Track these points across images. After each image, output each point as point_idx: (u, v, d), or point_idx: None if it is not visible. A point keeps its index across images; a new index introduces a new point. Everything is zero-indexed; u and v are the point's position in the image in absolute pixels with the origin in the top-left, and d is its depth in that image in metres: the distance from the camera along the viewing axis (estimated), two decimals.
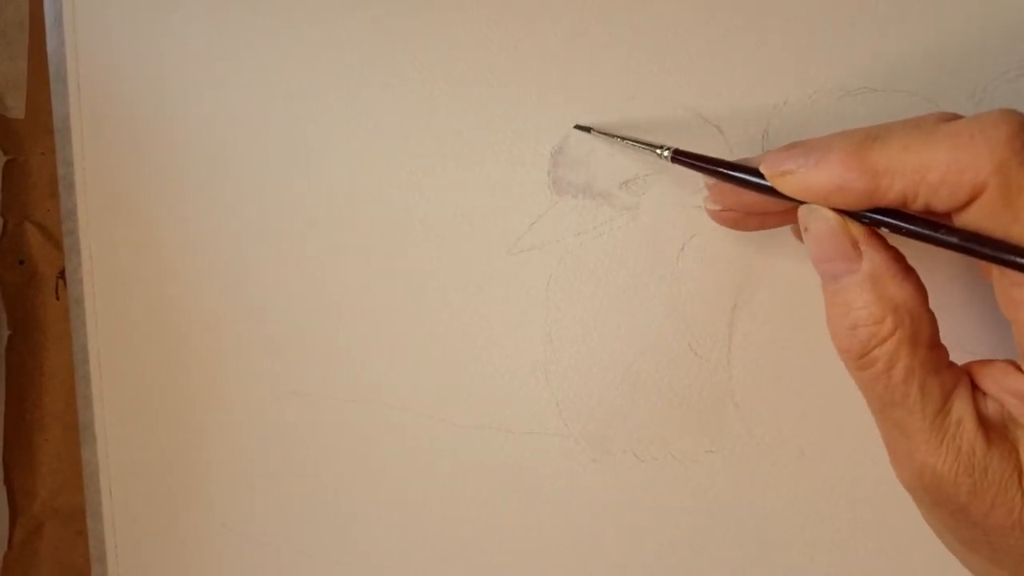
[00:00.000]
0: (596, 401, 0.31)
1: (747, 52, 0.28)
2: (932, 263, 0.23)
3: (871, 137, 0.22)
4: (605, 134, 0.29)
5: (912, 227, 0.22)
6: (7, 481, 0.36)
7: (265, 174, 0.32)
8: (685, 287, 0.30)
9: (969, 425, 0.22)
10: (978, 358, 0.23)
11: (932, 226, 0.22)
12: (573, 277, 0.30)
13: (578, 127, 0.29)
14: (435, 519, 0.32)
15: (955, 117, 0.22)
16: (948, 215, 0.22)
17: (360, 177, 0.31)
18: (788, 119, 0.28)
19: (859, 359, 0.22)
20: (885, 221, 0.22)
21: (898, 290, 0.22)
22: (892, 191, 0.21)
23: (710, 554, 0.31)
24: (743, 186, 0.24)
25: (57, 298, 0.35)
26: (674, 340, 0.30)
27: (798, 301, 0.29)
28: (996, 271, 0.22)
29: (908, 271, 0.23)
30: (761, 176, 0.24)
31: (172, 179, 0.33)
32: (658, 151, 0.27)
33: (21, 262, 0.35)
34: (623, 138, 0.28)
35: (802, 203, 0.23)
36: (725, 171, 0.25)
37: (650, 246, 0.30)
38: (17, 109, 0.34)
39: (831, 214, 0.23)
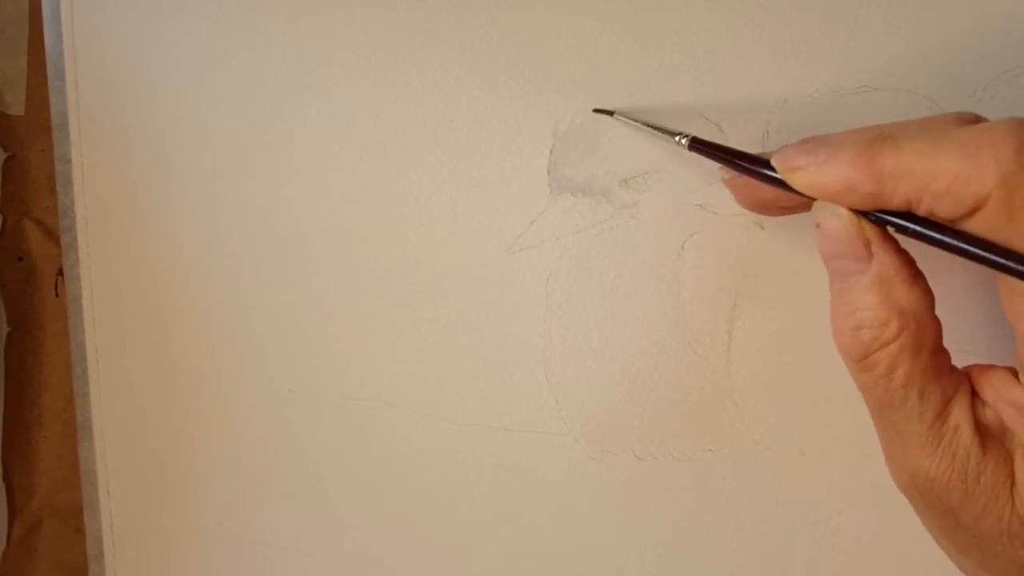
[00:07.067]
0: (595, 400, 0.31)
1: (748, 51, 0.28)
2: (938, 262, 0.23)
3: (882, 137, 0.21)
4: (626, 118, 0.29)
5: (917, 228, 0.22)
6: (6, 478, 0.35)
7: (263, 171, 0.32)
8: (685, 286, 0.30)
9: (966, 432, 0.22)
10: (976, 357, 0.23)
11: (937, 229, 0.21)
12: (573, 275, 0.30)
13: (597, 110, 0.29)
14: (433, 518, 0.32)
15: (973, 118, 0.22)
16: (952, 222, 0.21)
17: (359, 174, 0.31)
18: (789, 117, 0.28)
19: (860, 361, 0.22)
20: (891, 221, 0.22)
21: (906, 294, 0.22)
22: (897, 195, 0.21)
23: (710, 553, 0.31)
24: (756, 178, 0.25)
25: (56, 295, 0.35)
26: (674, 339, 0.30)
27: (798, 300, 0.29)
28: (1001, 278, 0.22)
29: (917, 275, 0.22)
30: (773, 169, 0.24)
31: (170, 176, 0.33)
32: (676, 138, 0.27)
33: (20, 259, 0.35)
34: (643, 123, 0.28)
35: (814, 199, 0.23)
36: (739, 162, 0.25)
37: (650, 244, 0.30)
38: (17, 106, 0.34)
39: (846, 212, 0.22)
